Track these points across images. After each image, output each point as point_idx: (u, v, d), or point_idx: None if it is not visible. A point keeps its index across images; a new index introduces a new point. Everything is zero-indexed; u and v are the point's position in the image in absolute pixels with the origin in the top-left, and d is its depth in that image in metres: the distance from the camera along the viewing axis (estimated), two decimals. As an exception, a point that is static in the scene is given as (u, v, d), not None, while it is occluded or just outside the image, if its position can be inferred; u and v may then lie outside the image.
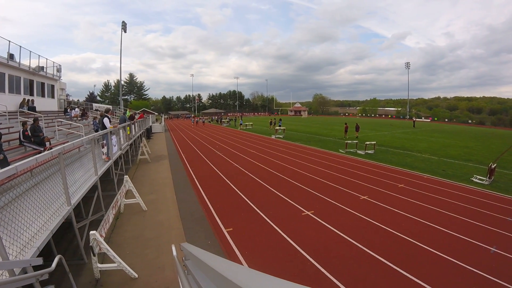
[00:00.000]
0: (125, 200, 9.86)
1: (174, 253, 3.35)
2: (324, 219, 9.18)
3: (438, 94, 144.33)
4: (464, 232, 8.58)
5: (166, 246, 7.32)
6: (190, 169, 15.89)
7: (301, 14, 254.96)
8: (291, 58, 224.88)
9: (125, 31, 51.78)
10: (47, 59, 23.04)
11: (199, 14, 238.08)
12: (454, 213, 10.15)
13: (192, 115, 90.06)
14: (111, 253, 5.80)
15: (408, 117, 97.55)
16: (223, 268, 1.59)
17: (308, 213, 9.68)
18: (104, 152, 10.38)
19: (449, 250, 7.41)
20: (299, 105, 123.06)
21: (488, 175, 14.68)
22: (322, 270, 6.36)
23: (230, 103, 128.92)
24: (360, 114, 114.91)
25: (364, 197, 11.48)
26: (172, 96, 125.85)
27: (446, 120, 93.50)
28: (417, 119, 74.13)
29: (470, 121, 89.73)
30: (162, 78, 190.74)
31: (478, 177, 15.08)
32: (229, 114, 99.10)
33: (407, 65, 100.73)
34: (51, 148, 6.06)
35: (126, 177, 9.95)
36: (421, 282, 6.01)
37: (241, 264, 6.49)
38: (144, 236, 8.04)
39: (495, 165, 15.05)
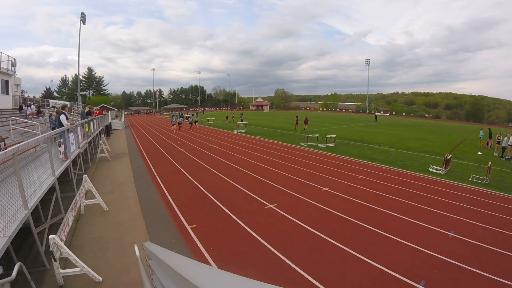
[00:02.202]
0: (85, 201, 9.42)
1: (137, 253, 3.27)
2: (287, 211, 9.31)
3: (397, 90, 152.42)
4: (423, 219, 9.09)
5: (129, 247, 7.02)
6: (151, 166, 15.44)
7: (265, 10, 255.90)
8: (254, 53, 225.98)
9: (84, 23, 49.32)
10: (0, 52, 21.26)
11: (163, 6, 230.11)
12: (412, 201, 10.74)
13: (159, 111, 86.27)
14: (73, 257, 5.55)
15: (368, 111, 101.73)
16: (183, 267, 1.58)
17: (272, 206, 9.75)
18: (61, 152, 9.92)
19: (409, 237, 7.80)
20: (261, 100, 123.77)
21: (444, 165, 15.68)
22: (287, 261, 6.44)
23: (192, 98, 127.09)
24: (321, 109, 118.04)
25: (326, 189, 11.76)
26: (133, 92, 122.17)
27: (404, 114, 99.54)
28: (377, 113, 77.58)
29: (427, 115, 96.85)
30: (123, 73, 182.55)
31: (435, 167, 16.04)
32: (190, 109, 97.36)
33: (367, 61, 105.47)
34: (5, 149, 5.59)
35: (85, 176, 9.49)
36: (384, 268, 6.27)
37: (207, 260, 6.45)
38: (106, 238, 7.72)
39: (450, 155, 16.16)
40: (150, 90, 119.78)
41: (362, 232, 8.08)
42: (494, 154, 23.07)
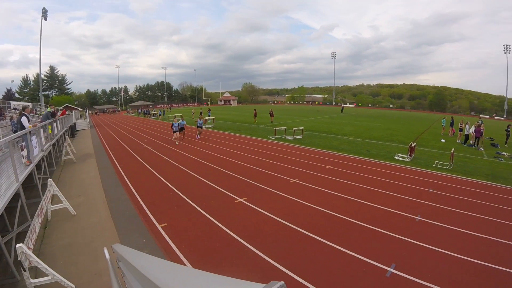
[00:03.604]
0: (52, 206, 8.95)
1: (107, 256, 3.15)
2: (257, 204, 9.35)
3: (362, 82, 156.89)
4: (390, 205, 9.45)
5: (100, 251, 6.70)
6: (118, 166, 14.92)
7: (233, 4, 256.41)
8: (221, 47, 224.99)
9: (45, 19, 46.65)
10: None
11: (128, 0, 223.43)
12: (379, 188, 11.13)
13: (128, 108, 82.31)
14: (43, 265, 5.27)
15: (334, 103, 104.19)
16: (149, 267, 1.58)
17: (241, 200, 9.75)
18: (24, 155, 9.34)
19: (378, 222, 8.08)
20: (229, 95, 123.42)
21: (409, 153, 16.37)
22: (259, 253, 6.46)
23: (158, 94, 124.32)
24: (288, 102, 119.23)
25: (295, 180, 11.89)
26: (97, 90, 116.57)
27: (370, 105, 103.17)
28: (344, 105, 79.86)
29: (391, 106, 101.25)
30: (86, 70, 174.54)
31: (400, 155, 16.72)
32: (157, 106, 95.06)
33: (334, 55, 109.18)
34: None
35: (50, 180, 9.00)
36: (355, 253, 6.45)
37: (179, 258, 6.36)
38: (76, 243, 7.39)
39: (415, 143, 16.86)
40: (115, 88, 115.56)
41: (332, 220, 8.25)
42: (457, 141, 24.41)
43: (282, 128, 25.28)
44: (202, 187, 11.25)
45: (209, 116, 39.28)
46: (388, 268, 5.93)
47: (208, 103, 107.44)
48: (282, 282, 0.80)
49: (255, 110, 39.40)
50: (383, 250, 6.69)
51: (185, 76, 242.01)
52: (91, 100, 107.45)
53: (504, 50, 75.44)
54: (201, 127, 24.37)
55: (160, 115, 52.46)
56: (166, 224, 8.12)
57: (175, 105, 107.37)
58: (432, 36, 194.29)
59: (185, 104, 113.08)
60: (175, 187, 11.23)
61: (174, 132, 21.71)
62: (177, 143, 21.00)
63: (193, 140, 23.38)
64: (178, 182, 11.93)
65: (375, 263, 6.12)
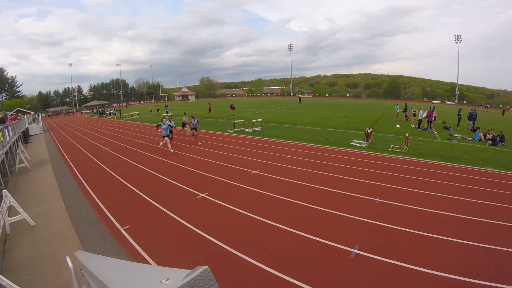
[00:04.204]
0: (9, 218, 8.24)
1: (70, 264, 2.94)
2: (219, 198, 9.23)
3: (319, 73, 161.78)
4: (350, 189, 9.72)
5: (64, 260, 6.32)
6: (75, 171, 14.07)
7: None
8: (177, 42, 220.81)
9: None
10: None
11: None
12: (339, 174, 11.43)
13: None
14: (7, 282, 4.90)
15: (292, 94, 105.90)
16: (115, 271, 1.51)
17: (203, 195, 9.57)
18: None
19: (340, 207, 8.27)
20: (186, 90, 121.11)
21: (366, 139, 16.94)
22: (225, 247, 6.37)
23: (114, 93, 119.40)
24: (246, 95, 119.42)
25: (255, 172, 11.88)
26: (50, 91, 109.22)
27: (327, 95, 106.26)
28: (301, 96, 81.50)
29: (348, 95, 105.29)
30: (38, 71, 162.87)
31: (357, 141, 17.29)
32: (113, 105, 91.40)
33: (290, 47, 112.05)
34: None
35: (5, 191, 8.28)
36: (320, 239, 6.56)
37: (145, 260, 6.15)
38: (39, 255, 6.87)
39: (371, 130, 17.55)
40: (68, 88, 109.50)
41: (295, 208, 8.33)
42: (411, 125, 25.93)
43: (241, 121, 25.26)
44: (163, 185, 10.94)
45: (166, 112, 38.52)
46: (352, 250, 6.08)
47: (166, 99, 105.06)
48: (206, 267, 0.84)
49: (209, 104, 39.58)
50: (346, 232, 6.86)
51: (141, 72, 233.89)
52: (44, 103, 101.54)
53: (455, 40, 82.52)
54: (196, 128, 19.41)
55: (115, 114, 50.69)
56: (129, 226, 7.81)
57: (131, 103, 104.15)
58: (386, 27, 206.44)
59: (142, 102, 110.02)
60: (136, 187, 10.84)
61: (165, 136, 16.65)
62: (171, 151, 16.19)
63: (152, 138, 22.71)
64: (138, 181, 11.53)
65: (339, 245, 6.25)
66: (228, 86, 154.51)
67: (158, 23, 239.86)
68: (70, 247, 7.14)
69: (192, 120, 19.03)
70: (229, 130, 23.77)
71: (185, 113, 23.44)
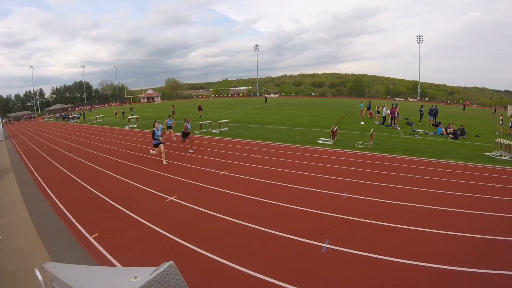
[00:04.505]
0: None
1: (40, 277, 2.75)
2: (188, 201, 9.08)
3: (285, 72, 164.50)
4: (318, 185, 9.89)
5: (33, 273, 5.94)
6: (39, 179, 13.32)
7: None
8: (143, 42, 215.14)
9: None
10: None
11: None
12: (306, 171, 11.61)
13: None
14: None
15: (258, 94, 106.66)
16: (85, 278, 1.52)
17: (172, 198, 9.38)
18: None
19: (308, 204, 8.39)
20: (152, 91, 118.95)
21: (332, 136, 17.30)
22: (196, 248, 6.27)
23: (77, 96, 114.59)
24: (213, 95, 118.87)
25: (223, 172, 11.81)
26: (10, 95, 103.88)
27: (293, 94, 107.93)
28: (267, 95, 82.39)
29: (313, 94, 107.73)
30: None
31: (323, 139, 17.68)
32: (76, 108, 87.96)
33: (257, 47, 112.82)
34: None
35: None
36: (290, 235, 6.61)
37: (116, 266, 5.85)
38: (6, 270, 6.43)
39: (336, 127, 17.90)
40: (29, 91, 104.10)
41: (264, 207, 8.36)
42: (375, 122, 26.95)
43: (208, 122, 25.09)
44: (130, 190, 10.60)
45: (132, 115, 37.68)
46: (323, 244, 6.19)
47: (131, 101, 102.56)
48: (171, 262, 0.91)
49: (173, 106, 39.18)
50: (317, 228, 6.98)
51: (105, 74, 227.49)
52: (4, 107, 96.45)
53: (417, 41, 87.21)
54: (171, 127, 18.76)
55: (78, 118, 48.91)
56: (97, 234, 7.52)
57: (95, 106, 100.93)
58: (350, 28, 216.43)
59: (106, 105, 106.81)
60: (102, 194, 10.44)
61: (156, 145, 13.83)
62: (164, 163, 13.64)
63: (118, 141, 22.08)
64: (105, 187, 11.12)
65: (310, 241, 6.34)
66: (195, 87, 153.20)
67: (123, 23, 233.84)
68: (38, 259, 6.81)
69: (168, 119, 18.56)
70: (196, 132, 23.50)
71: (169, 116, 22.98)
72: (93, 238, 7.34)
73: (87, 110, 72.56)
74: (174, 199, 9.32)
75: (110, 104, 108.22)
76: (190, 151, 15.88)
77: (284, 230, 6.84)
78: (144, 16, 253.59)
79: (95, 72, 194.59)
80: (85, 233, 7.65)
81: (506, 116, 31.97)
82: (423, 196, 8.95)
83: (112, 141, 22.50)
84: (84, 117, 49.03)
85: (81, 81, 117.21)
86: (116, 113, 45.89)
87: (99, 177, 12.62)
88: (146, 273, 0.90)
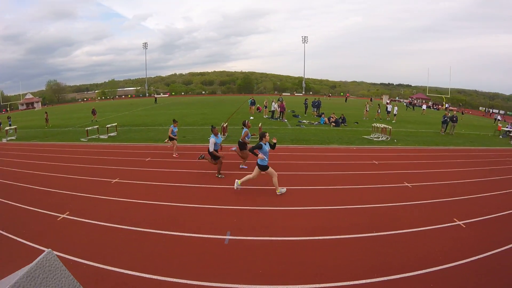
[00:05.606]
0: None
1: None
2: (82, 215, 8.21)
3: (175, 71, 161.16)
4: (211, 181, 10.46)
5: None
6: None
7: None
8: (21, 38, 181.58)
9: None
10: None
11: None
12: (200, 169, 12.08)
13: None
14: None
15: (148, 94, 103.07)
16: None
17: (64, 216, 8.28)
18: None
19: (205, 200, 8.74)
20: (31, 96, 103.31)
21: (222, 133, 17.99)
22: (96, 264, 5.78)
23: None
24: (99, 98, 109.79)
25: (116, 180, 11.17)
26: None
27: (183, 93, 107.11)
28: (157, 96, 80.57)
29: (204, 92, 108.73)
30: None
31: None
32: None
33: (145, 45, 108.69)
34: None
35: None
36: (191, 234, 6.75)
37: None
38: None
39: (226, 123, 18.51)
40: None
41: (162, 210, 8.28)
42: (264, 116, 28.94)
43: (94, 127, 23.42)
44: (13, 212, 8.95)
45: (10, 125, 32.21)
46: (225, 236, 6.51)
47: (8, 109, 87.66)
48: (49, 250, 0.91)
49: (46, 113, 34.89)
50: (216, 222, 7.27)
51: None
52: None
53: (302, 41, 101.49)
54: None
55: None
56: None
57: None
58: (240, 28, 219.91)
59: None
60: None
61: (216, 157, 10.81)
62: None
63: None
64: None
65: (212, 236, 6.58)
66: (79, 89, 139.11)
67: (2, 16, 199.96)
68: None
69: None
70: (82, 139, 21.71)
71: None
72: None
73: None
74: (67, 216, 8.31)
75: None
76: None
77: (185, 230, 6.91)
78: (24, 8, 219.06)
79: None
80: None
81: (377, 104, 38.48)
82: (312, 178, 10.34)
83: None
84: None
85: None
86: None
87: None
88: (24, 269, 0.91)
